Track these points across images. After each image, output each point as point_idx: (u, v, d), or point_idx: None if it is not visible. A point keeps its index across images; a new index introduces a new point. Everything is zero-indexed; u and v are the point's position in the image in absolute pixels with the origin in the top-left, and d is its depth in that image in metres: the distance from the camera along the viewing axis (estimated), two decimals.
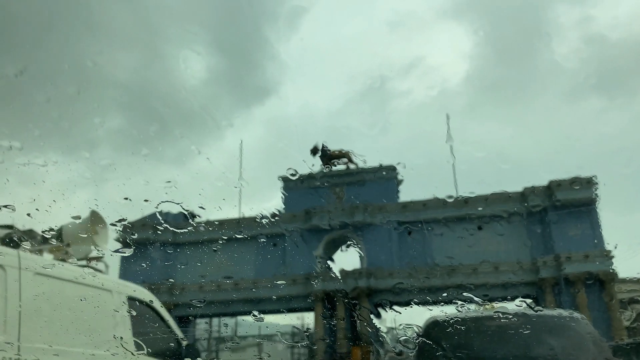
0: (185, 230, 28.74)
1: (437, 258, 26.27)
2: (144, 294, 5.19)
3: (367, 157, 29.07)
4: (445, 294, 25.31)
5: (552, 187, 25.18)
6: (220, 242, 28.24)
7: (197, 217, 30.58)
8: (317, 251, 27.44)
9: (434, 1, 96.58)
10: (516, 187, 26.68)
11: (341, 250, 29.82)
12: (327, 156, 29.03)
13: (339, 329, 25.48)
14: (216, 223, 28.43)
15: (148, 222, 28.07)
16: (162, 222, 28.50)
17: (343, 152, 29.15)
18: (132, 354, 4.48)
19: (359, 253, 27.09)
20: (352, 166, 29.03)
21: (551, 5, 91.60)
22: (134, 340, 4.55)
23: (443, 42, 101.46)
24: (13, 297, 3.53)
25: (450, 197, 27.33)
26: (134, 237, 27.86)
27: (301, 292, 25.86)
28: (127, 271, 27.92)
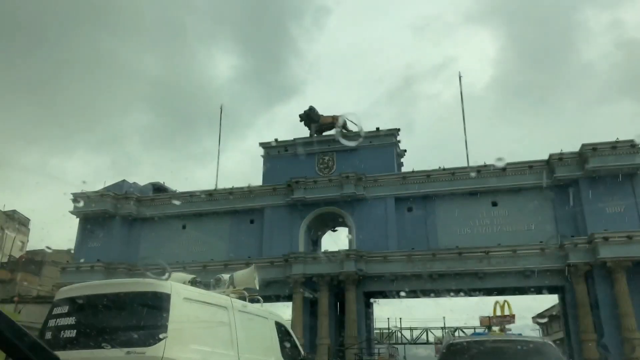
0: (150, 202, 25.01)
1: (442, 240, 21.82)
2: (281, 319, 7.24)
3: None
4: (450, 284, 20.88)
5: (585, 154, 20.41)
6: (190, 217, 24.35)
7: (168, 190, 26.90)
8: (300, 229, 23.30)
9: (460, 5, 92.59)
10: None
11: (331, 230, 25.59)
12: (317, 122, 24.93)
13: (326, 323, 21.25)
14: (182, 195, 24.68)
15: (108, 193, 24.40)
16: (125, 191, 24.77)
17: (335, 117, 24.97)
18: None
19: (349, 232, 22.84)
20: (344, 131, 24.77)
21: (579, 9, 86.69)
22: (281, 353, 6.48)
23: (469, 46, 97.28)
24: (234, 327, 5.50)
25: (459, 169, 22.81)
26: (89, 209, 24.21)
27: (279, 276, 21.71)
28: (81, 249, 24.31)
